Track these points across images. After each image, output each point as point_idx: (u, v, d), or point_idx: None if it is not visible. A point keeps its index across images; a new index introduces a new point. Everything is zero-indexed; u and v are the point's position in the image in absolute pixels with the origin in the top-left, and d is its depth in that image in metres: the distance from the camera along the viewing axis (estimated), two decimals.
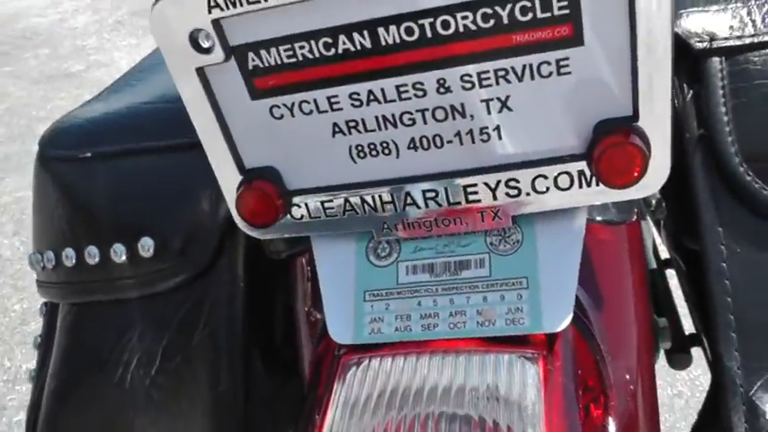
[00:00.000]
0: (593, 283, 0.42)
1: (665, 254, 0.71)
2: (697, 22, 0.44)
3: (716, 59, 0.43)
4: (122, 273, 0.53)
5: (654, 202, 0.39)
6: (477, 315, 0.36)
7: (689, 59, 0.43)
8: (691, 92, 0.43)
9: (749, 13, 0.44)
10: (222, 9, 0.32)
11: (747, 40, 0.43)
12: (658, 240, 0.72)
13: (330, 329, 0.38)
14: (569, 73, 0.32)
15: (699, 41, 0.43)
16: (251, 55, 0.34)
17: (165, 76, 0.65)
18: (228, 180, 0.38)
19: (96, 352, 0.54)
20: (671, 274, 0.71)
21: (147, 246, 0.53)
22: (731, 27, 0.43)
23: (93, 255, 0.54)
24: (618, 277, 0.46)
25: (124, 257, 0.53)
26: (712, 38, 0.43)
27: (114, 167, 0.54)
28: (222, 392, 0.51)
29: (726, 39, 0.43)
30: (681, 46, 0.43)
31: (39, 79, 3.31)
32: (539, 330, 0.35)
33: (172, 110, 0.56)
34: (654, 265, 0.74)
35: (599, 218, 0.37)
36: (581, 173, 0.34)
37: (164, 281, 0.52)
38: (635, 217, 0.38)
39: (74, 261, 0.54)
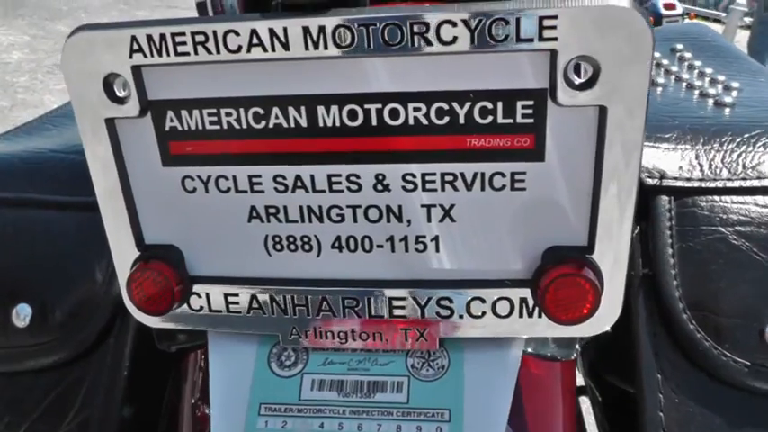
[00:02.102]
0: (522, 423, 0.38)
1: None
2: (647, 158, 0.42)
3: (665, 198, 0.41)
4: None
5: None
6: None
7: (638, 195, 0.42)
8: (638, 228, 0.41)
9: (697, 157, 0.43)
10: (146, 55, 0.28)
11: (696, 184, 0.42)
12: None
13: None
14: (524, 189, 0.29)
15: (649, 177, 0.41)
16: (170, 114, 0.29)
17: None
18: (123, 254, 0.33)
19: None
20: (582, 400, 0.69)
21: (22, 314, 0.45)
22: (680, 168, 0.42)
23: None
24: (549, 418, 0.42)
25: None
26: (662, 176, 0.42)
27: (0, 217, 0.47)
28: None
29: (675, 179, 0.42)
30: None
31: None
32: None
33: (81, 163, 0.50)
34: None
35: (536, 351, 0.34)
36: (523, 301, 0.31)
37: (35, 358, 0.45)
38: (575, 354, 0.35)
39: None
